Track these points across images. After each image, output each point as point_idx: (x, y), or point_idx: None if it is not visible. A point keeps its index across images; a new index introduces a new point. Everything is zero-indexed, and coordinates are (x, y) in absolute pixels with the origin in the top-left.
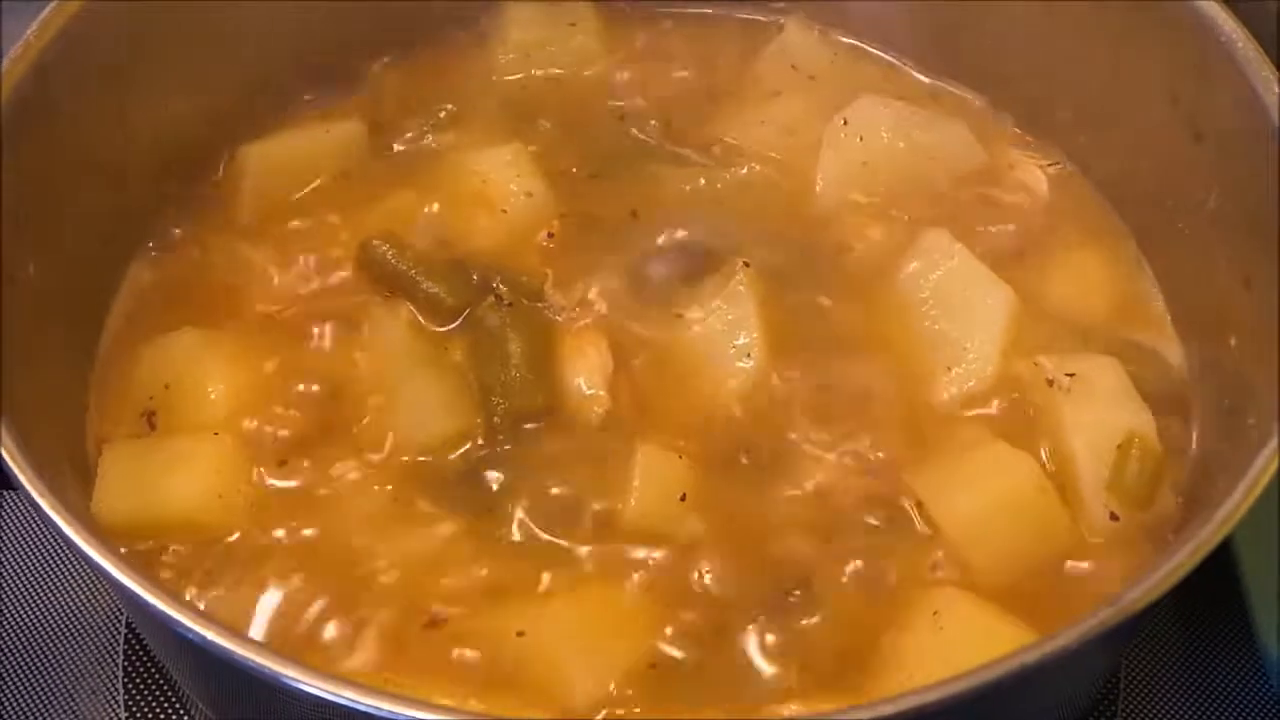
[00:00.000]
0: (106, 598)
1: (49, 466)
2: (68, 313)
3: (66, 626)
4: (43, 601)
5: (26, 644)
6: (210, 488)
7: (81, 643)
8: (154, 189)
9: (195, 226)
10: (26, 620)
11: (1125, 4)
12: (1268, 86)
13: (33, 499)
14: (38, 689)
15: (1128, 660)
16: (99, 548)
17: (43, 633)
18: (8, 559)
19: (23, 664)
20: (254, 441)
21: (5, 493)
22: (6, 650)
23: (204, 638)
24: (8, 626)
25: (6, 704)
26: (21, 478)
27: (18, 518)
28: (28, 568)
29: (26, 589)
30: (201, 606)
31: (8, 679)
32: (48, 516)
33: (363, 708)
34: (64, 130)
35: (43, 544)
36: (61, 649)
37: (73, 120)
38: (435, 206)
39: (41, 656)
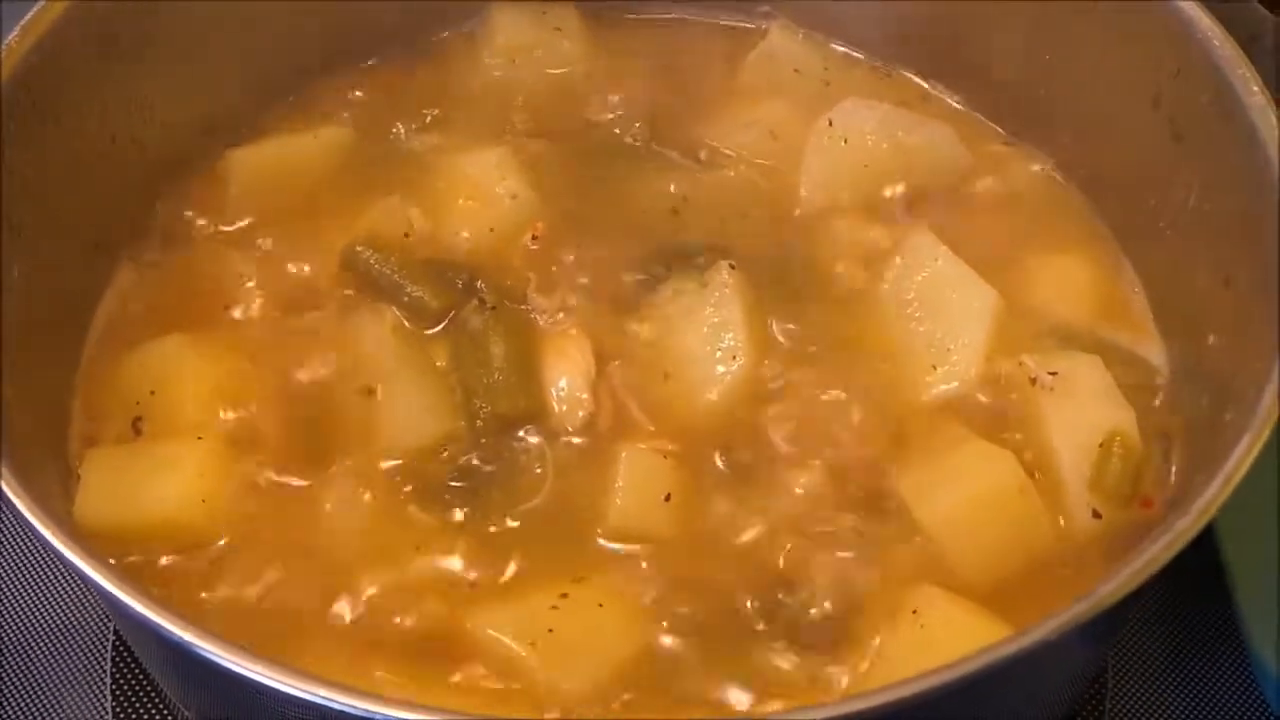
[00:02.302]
0: (95, 603)
1: (32, 471)
2: (53, 317)
3: (55, 632)
4: (31, 607)
5: (15, 649)
6: (195, 492)
7: (70, 648)
8: (140, 193)
9: (181, 231)
10: (15, 625)
11: (1108, 8)
12: (1246, 87)
13: (12, 503)
14: (26, 694)
15: (1114, 661)
16: (77, 550)
17: (31, 638)
18: None
19: (11, 669)
20: (239, 446)
21: None
22: None
23: (181, 639)
24: None
25: None
26: (1, 484)
27: (6, 524)
28: (16, 573)
29: (15, 594)
30: (185, 610)
31: None
32: (27, 520)
33: (342, 707)
34: (49, 134)
35: (32, 549)
36: (50, 654)
37: (57, 124)
38: (420, 210)
39: (30, 661)
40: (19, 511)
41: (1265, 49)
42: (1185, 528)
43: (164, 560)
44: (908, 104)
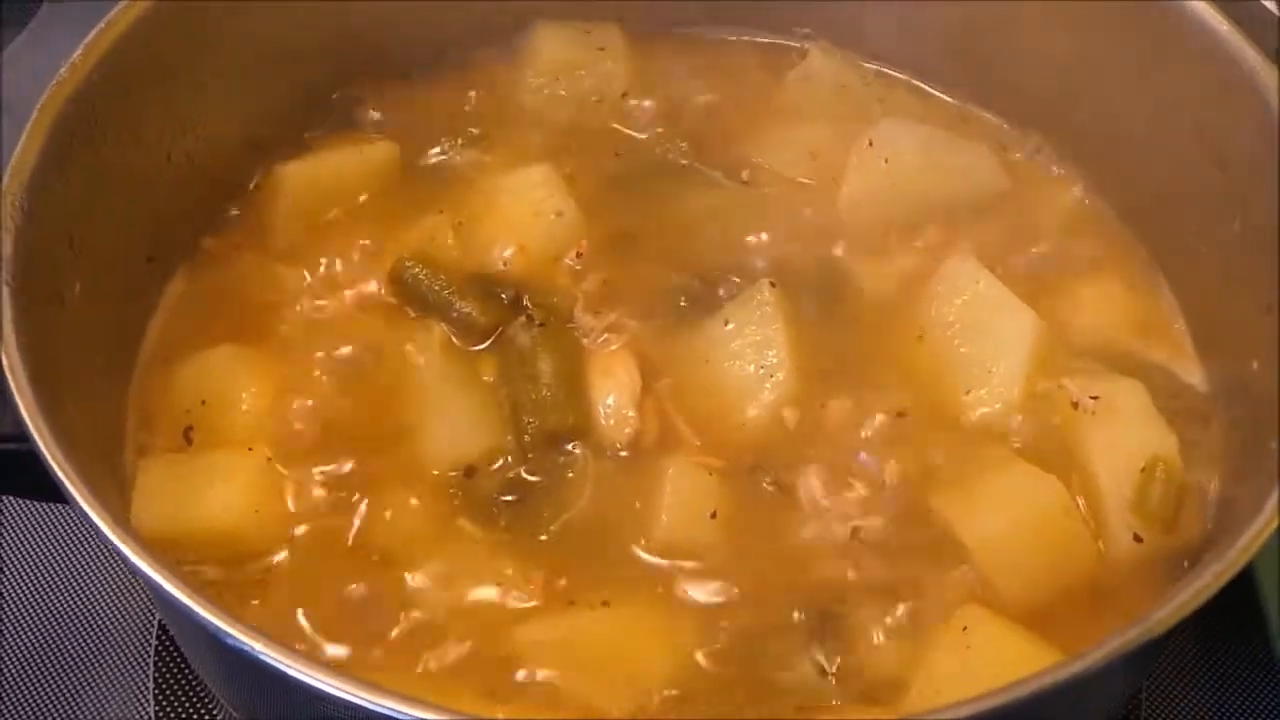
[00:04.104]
0: (139, 603)
1: (92, 480)
2: (109, 330)
3: (98, 631)
4: (75, 606)
5: (59, 648)
6: (247, 503)
7: (113, 647)
8: (193, 209)
9: (232, 246)
10: (59, 625)
11: (1151, 33)
12: None
13: (85, 513)
14: (70, 693)
15: (1149, 679)
16: (152, 562)
17: (75, 637)
18: (43, 564)
19: (55, 668)
20: (289, 458)
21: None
22: (39, 654)
23: (254, 650)
24: (41, 631)
25: (39, 708)
26: (74, 491)
27: (53, 525)
28: (61, 574)
29: (60, 594)
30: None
31: (40, 682)
32: (101, 531)
33: (403, 717)
34: (108, 152)
35: (77, 550)
36: (93, 653)
37: (117, 142)
38: (466, 226)
39: (74, 661)
40: (96, 525)
41: None
42: (1233, 559)
43: (216, 569)
44: (947, 125)
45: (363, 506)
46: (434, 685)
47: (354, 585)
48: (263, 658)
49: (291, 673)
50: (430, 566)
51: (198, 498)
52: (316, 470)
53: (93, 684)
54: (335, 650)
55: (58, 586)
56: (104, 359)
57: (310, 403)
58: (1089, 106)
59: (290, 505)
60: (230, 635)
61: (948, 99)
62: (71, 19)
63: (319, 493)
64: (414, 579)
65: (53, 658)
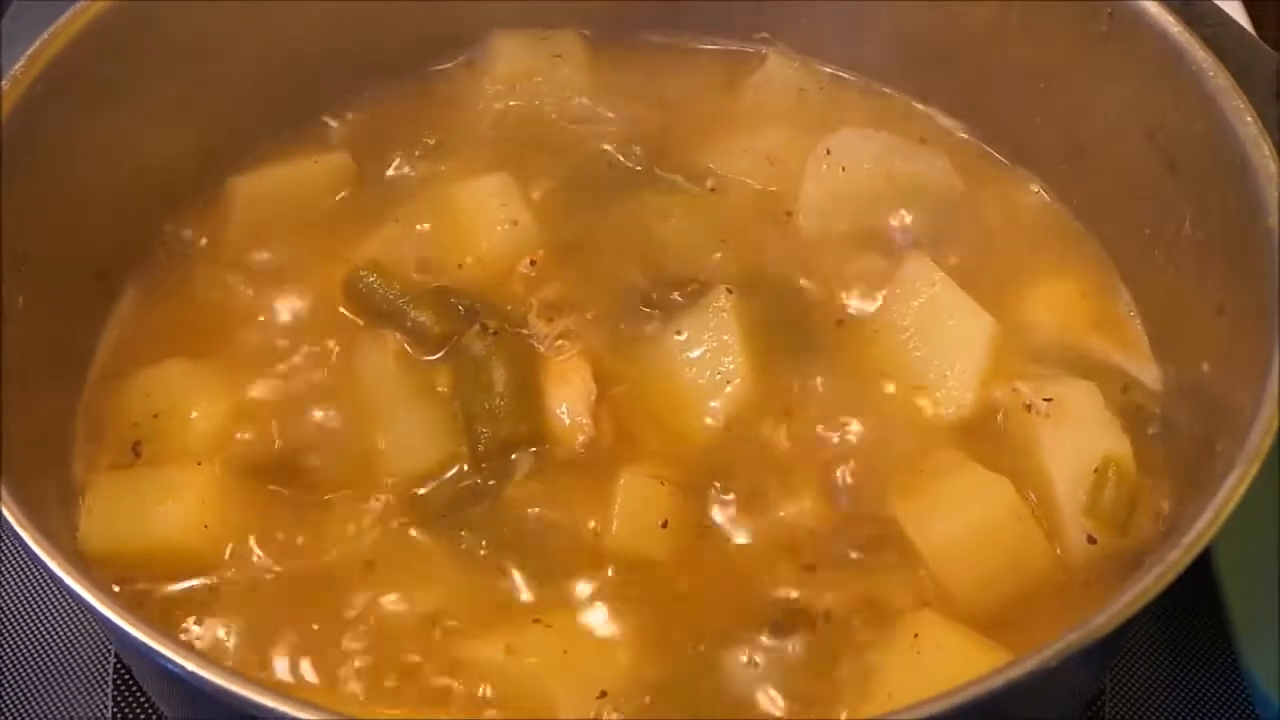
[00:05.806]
0: (96, 628)
1: (35, 497)
2: (57, 344)
3: (55, 656)
4: (31, 631)
5: (14, 674)
6: (196, 518)
7: (70, 673)
8: (143, 221)
9: (184, 258)
10: (14, 650)
11: (1104, 37)
12: (1239, 118)
13: (16, 532)
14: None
15: (1112, 683)
16: (81, 580)
17: (31, 663)
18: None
19: (11, 695)
20: (241, 471)
21: None
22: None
23: (185, 669)
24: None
25: None
26: (4, 510)
27: (6, 546)
28: (16, 597)
29: (15, 618)
30: (187, 637)
31: None
32: (30, 549)
33: None
34: (53, 164)
35: (31, 573)
36: (50, 679)
37: (62, 154)
38: (421, 236)
39: (30, 687)
40: (26, 544)
41: (1258, 81)
42: (1176, 559)
43: (166, 585)
44: (905, 129)
45: (315, 519)
46: (387, 699)
47: (307, 599)
48: (196, 676)
49: (230, 691)
50: (382, 578)
51: (147, 513)
52: (268, 483)
53: (50, 708)
54: (284, 665)
55: (11, 606)
56: (51, 373)
57: (262, 415)
58: (1044, 109)
59: (241, 520)
60: (162, 655)
61: (905, 103)
62: (41, 14)
63: (271, 507)
64: (366, 591)
65: (7, 680)
